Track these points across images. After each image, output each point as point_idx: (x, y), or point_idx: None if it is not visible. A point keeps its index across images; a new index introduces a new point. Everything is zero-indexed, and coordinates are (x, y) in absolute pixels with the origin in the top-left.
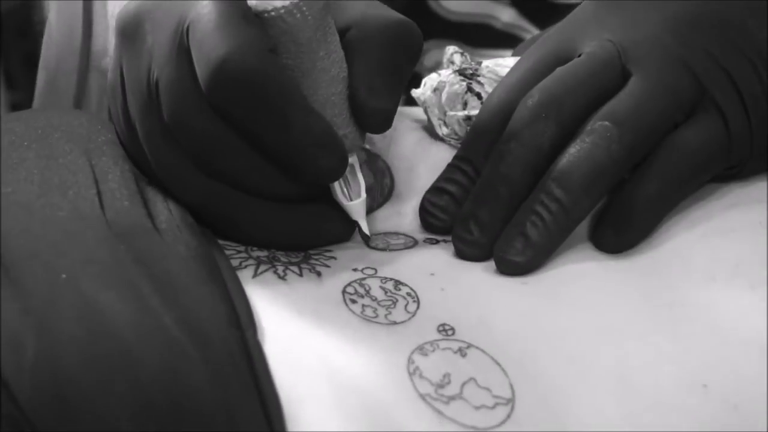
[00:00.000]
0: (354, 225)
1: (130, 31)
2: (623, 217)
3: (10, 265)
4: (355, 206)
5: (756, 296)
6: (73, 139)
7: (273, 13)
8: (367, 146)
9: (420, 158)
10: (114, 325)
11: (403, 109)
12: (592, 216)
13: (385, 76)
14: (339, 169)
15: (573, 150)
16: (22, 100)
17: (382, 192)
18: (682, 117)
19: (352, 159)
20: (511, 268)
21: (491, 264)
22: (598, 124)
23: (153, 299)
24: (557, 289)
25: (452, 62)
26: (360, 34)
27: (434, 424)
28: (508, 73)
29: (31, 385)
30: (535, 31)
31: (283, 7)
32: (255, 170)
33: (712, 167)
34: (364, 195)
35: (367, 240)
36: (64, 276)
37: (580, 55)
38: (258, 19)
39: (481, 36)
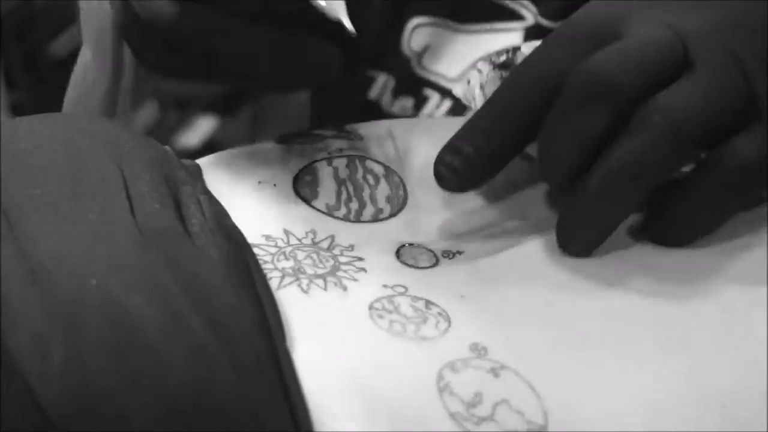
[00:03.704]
0: (337, 54)
1: None
2: (674, 220)
3: (38, 267)
4: (334, 4)
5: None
6: (102, 144)
7: None
8: (384, 163)
9: (430, 173)
10: (142, 330)
11: (417, 122)
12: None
13: None
14: None
15: (624, 145)
16: (22, 100)
17: (397, 202)
18: (735, 121)
19: None
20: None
21: (518, 285)
22: (655, 119)
23: (182, 303)
24: (580, 310)
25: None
26: None
27: None
28: (545, 41)
29: (59, 392)
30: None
31: None
32: None
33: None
34: None
35: (352, 35)
36: (93, 281)
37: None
38: None
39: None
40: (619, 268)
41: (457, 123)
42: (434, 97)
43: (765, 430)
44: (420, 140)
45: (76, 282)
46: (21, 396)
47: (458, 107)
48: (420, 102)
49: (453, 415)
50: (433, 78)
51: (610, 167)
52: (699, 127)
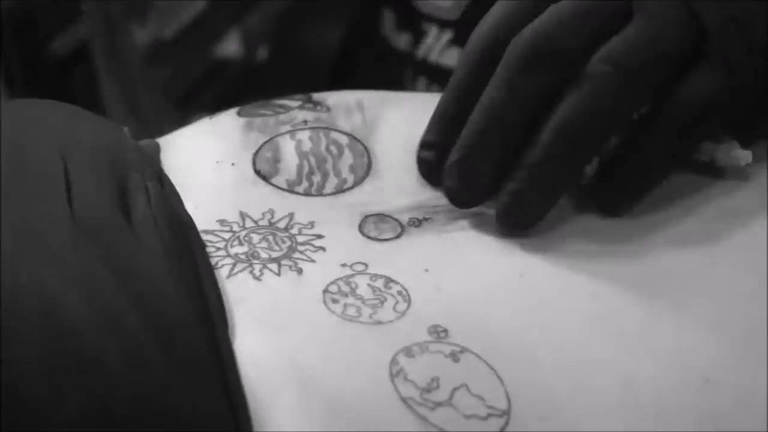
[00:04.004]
0: None
1: None
2: (628, 172)
3: None
4: None
5: (755, 285)
6: (47, 133)
7: None
8: (350, 133)
9: (397, 140)
10: (75, 329)
11: (391, 95)
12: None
13: None
14: None
15: (572, 99)
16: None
17: (361, 170)
18: (684, 62)
19: None
20: (510, 229)
21: (487, 255)
22: (598, 68)
23: (118, 299)
24: (555, 282)
25: None
26: None
27: (417, 430)
28: (489, 13)
29: None
30: None
31: None
32: None
33: (713, 121)
34: None
35: None
36: (25, 278)
37: None
38: None
39: None
40: (593, 239)
41: (432, 99)
42: (432, 29)
43: (747, 404)
44: (390, 111)
45: (9, 279)
46: None
47: (460, 36)
48: (419, 36)
49: (405, 400)
50: (430, 11)
51: (563, 122)
52: (647, 70)
